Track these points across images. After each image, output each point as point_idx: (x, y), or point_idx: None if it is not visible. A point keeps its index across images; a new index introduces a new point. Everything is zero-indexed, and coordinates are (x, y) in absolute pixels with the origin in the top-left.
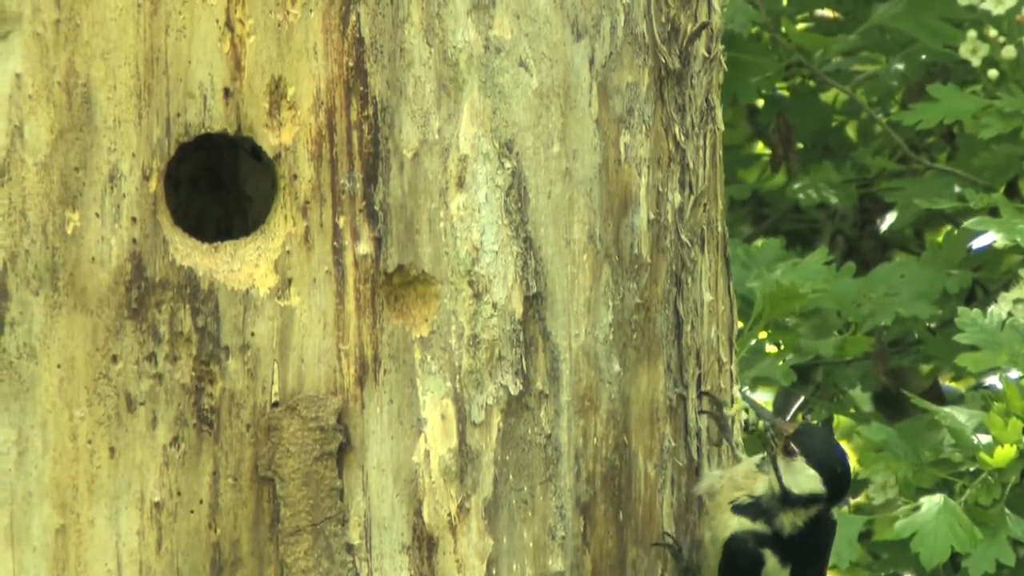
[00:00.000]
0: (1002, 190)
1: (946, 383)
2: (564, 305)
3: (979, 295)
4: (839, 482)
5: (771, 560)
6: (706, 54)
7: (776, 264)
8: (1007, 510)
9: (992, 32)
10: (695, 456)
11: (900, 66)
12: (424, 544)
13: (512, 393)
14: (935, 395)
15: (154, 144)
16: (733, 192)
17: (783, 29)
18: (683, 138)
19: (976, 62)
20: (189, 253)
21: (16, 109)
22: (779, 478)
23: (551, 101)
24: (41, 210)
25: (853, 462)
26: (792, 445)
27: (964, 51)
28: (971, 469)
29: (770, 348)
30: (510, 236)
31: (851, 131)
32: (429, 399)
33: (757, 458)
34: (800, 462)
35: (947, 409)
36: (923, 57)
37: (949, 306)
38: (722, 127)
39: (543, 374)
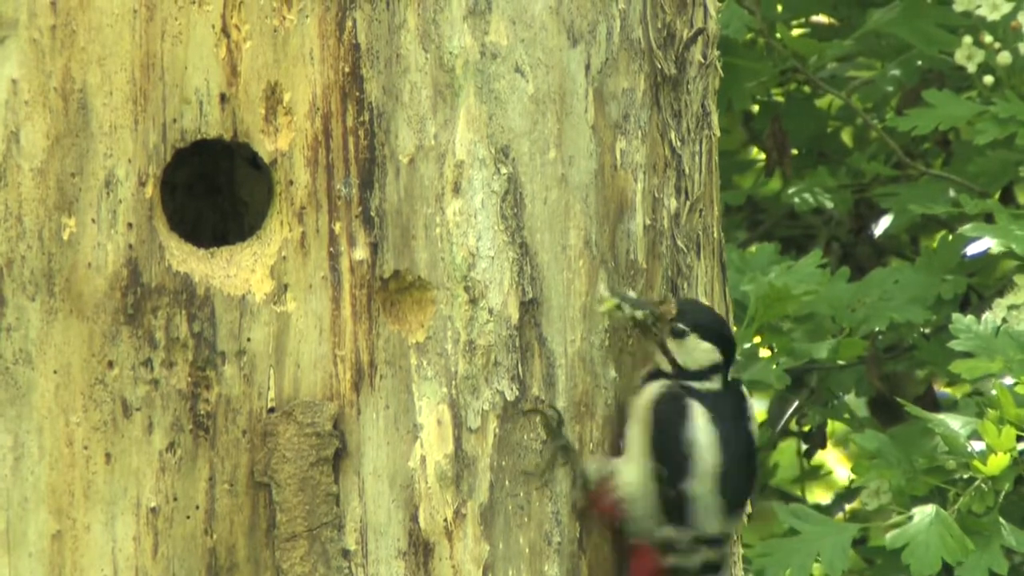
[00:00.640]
0: (997, 196)
1: (941, 389)
2: (560, 311)
3: (974, 301)
4: (730, 341)
5: (700, 412)
6: (702, 60)
7: (770, 268)
8: (1001, 518)
9: (988, 38)
10: None
11: (896, 72)
12: (420, 550)
13: (508, 399)
14: (929, 401)
15: (150, 150)
16: (728, 198)
17: (778, 35)
18: (679, 144)
19: (972, 68)
20: (185, 259)
21: (12, 115)
22: (673, 360)
23: (547, 107)
24: (37, 216)
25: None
26: (679, 325)
27: (960, 57)
28: (965, 477)
29: (763, 352)
30: (506, 242)
31: (846, 137)
32: (425, 404)
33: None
34: (693, 339)
35: (940, 416)
36: (919, 63)
37: (943, 312)
38: (718, 133)
39: (539, 380)
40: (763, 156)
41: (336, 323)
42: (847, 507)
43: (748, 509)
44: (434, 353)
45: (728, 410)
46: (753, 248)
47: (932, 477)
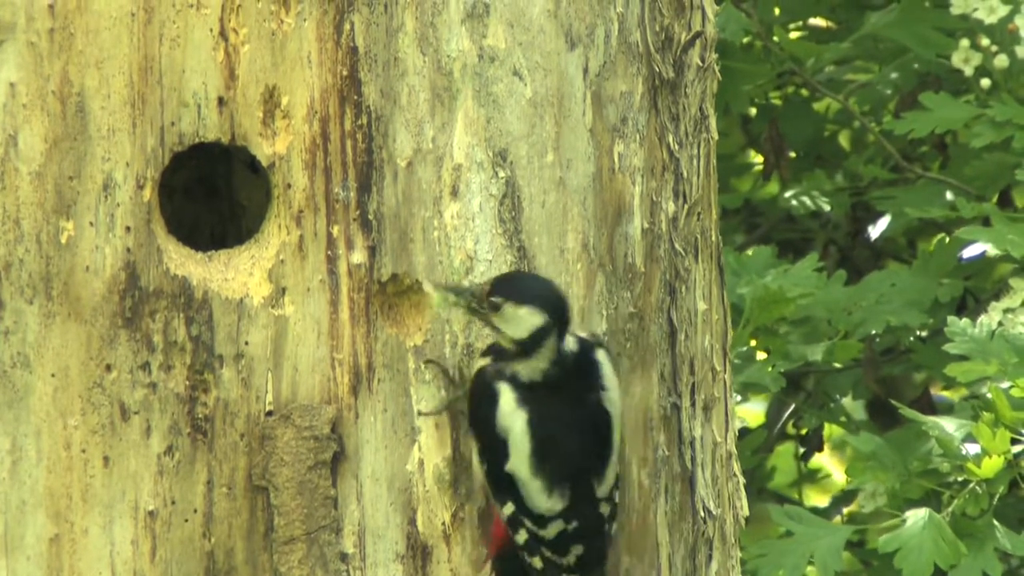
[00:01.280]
0: (994, 199)
1: (938, 392)
2: None
3: (970, 304)
4: (555, 303)
5: (507, 395)
6: (700, 63)
7: (767, 271)
8: (995, 521)
9: (985, 41)
10: (688, 465)
11: (893, 75)
12: (418, 553)
13: None
14: (926, 404)
15: (148, 153)
16: (725, 201)
17: (775, 38)
18: (677, 147)
19: (969, 71)
20: (183, 262)
21: (10, 118)
22: (504, 336)
23: (545, 110)
24: (35, 219)
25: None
26: (494, 299)
27: (957, 60)
28: (959, 479)
29: (760, 355)
30: (504, 245)
31: (844, 140)
32: (423, 408)
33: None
34: (509, 308)
35: (935, 419)
36: (915, 66)
37: (940, 315)
38: (716, 136)
39: None
40: (761, 159)
41: (334, 326)
42: (844, 510)
43: (609, 479)
44: (432, 356)
45: (562, 384)
46: (750, 251)
47: (927, 480)
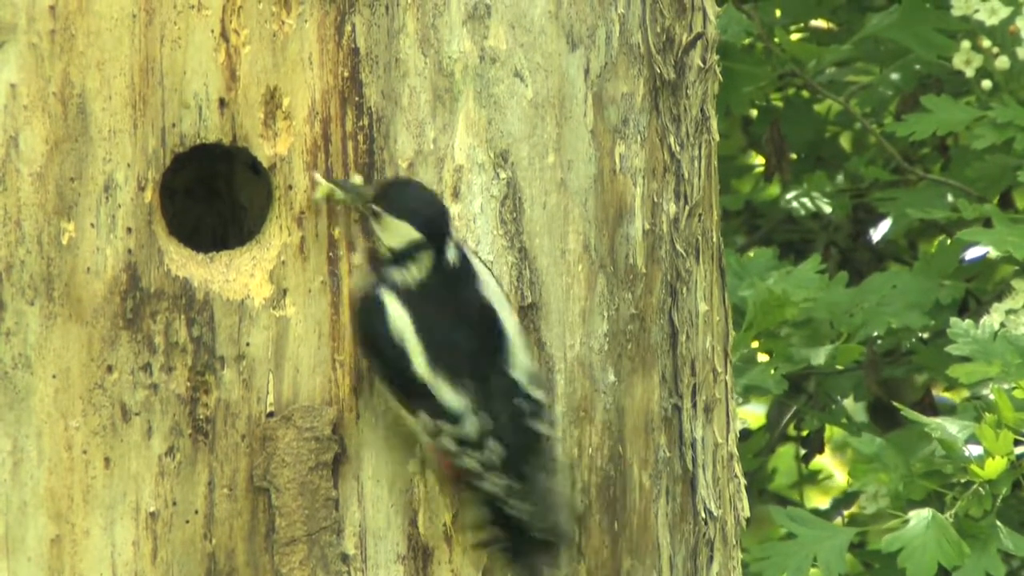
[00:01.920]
0: (996, 201)
1: (940, 394)
2: (559, 315)
3: (972, 306)
4: (430, 220)
5: (391, 301)
6: (701, 64)
7: (769, 273)
8: (998, 522)
9: (986, 43)
10: (690, 466)
11: (895, 76)
12: (419, 554)
13: None
14: (928, 406)
15: (149, 154)
16: (726, 202)
17: (776, 39)
18: (678, 148)
19: (970, 73)
20: (184, 263)
21: (11, 119)
22: (380, 241)
23: (546, 111)
24: (36, 220)
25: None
26: (375, 207)
27: (958, 62)
28: (962, 481)
29: (761, 357)
30: (505, 246)
31: (845, 142)
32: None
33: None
34: (388, 218)
35: (938, 420)
36: (916, 68)
37: (942, 317)
38: (717, 137)
39: None
40: (762, 161)
41: (335, 328)
42: (845, 512)
43: (518, 369)
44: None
45: (442, 289)
46: (751, 253)
47: (929, 481)
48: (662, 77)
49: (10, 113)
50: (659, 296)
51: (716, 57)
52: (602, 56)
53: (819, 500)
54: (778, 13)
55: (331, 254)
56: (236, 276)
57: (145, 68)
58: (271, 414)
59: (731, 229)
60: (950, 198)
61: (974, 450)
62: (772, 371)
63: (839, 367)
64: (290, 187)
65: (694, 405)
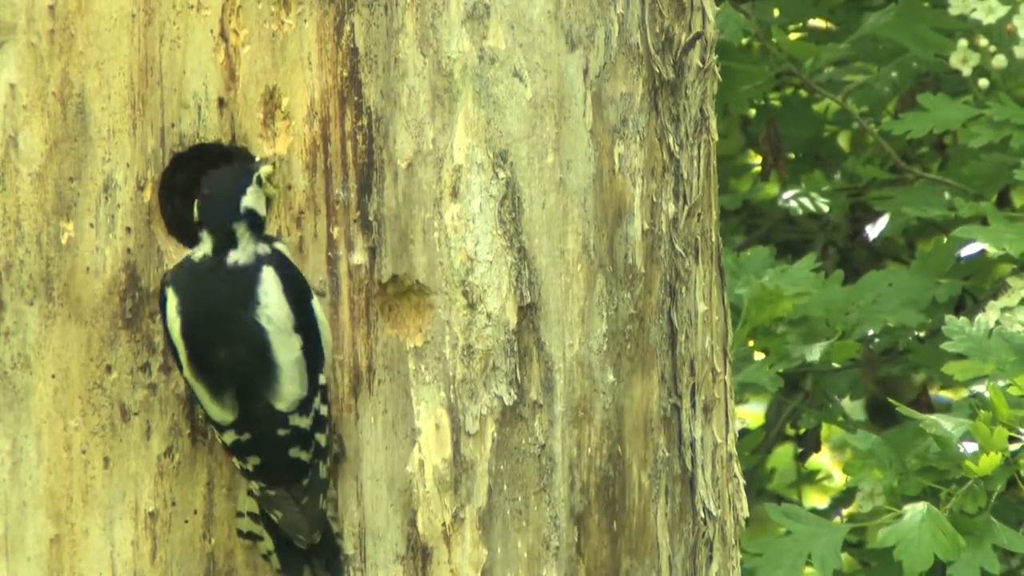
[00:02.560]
0: (994, 199)
1: (937, 393)
2: (558, 315)
3: (968, 304)
4: (207, 201)
5: (171, 301)
6: (700, 64)
7: (765, 271)
8: (993, 518)
9: (983, 42)
10: (689, 466)
11: (893, 74)
12: (418, 554)
13: (506, 403)
14: (924, 405)
15: (148, 154)
16: (724, 202)
17: (774, 39)
18: (677, 148)
19: (967, 71)
20: None
21: (10, 119)
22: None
23: (545, 111)
24: (35, 220)
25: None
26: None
27: (955, 61)
28: (957, 477)
29: (757, 355)
30: (504, 246)
31: (843, 141)
32: (423, 409)
33: None
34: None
35: (933, 417)
36: (914, 66)
37: (938, 315)
38: (716, 137)
39: (537, 384)
40: (760, 160)
41: (334, 327)
42: (844, 512)
43: (285, 398)
44: (432, 358)
45: (221, 296)
46: (749, 252)
47: (924, 477)
48: (661, 77)
49: (9, 113)
50: (658, 296)
51: (715, 57)
52: (601, 56)
53: (818, 500)
54: (776, 12)
55: (330, 254)
56: None
57: (144, 68)
58: None
59: (729, 229)
60: (947, 197)
61: (969, 447)
62: (768, 368)
63: (835, 365)
64: (289, 187)
65: (693, 405)
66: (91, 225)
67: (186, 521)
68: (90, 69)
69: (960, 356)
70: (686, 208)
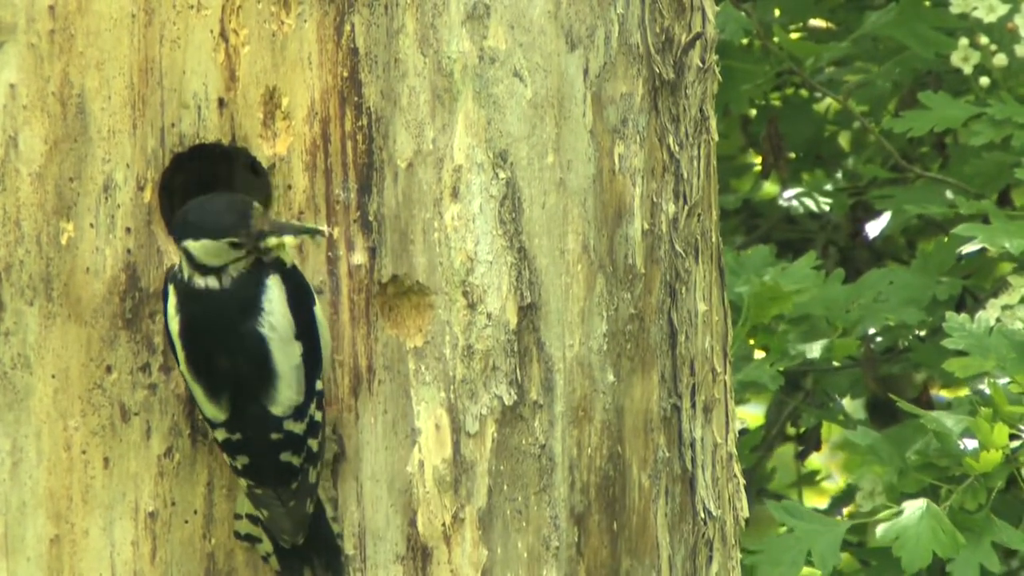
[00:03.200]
0: (995, 198)
1: (937, 393)
2: (558, 315)
3: (969, 303)
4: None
5: (172, 299)
6: (700, 64)
7: (765, 270)
8: (993, 515)
9: (984, 40)
10: (689, 466)
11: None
12: (418, 554)
13: (506, 403)
14: (924, 403)
15: (148, 154)
16: (724, 202)
17: (775, 38)
18: (677, 148)
19: (968, 70)
20: None
21: (10, 119)
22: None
23: (545, 111)
24: (35, 220)
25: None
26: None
27: (956, 59)
28: (957, 474)
29: (758, 353)
30: (504, 246)
31: (844, 141)
32: (423, 409)
33: None
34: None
35: (934, 414)
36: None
37: (939, 313)
38: (716, 137)
39: (537, 384)
40: (760, 160)
41: (334, 328)
42: (845, 511)
43: (281, 404)
44: (432, 358)
45: (223, 303)
46: (749, 251)
47: (924, 474)
48: (661, 77)
49: (9, 113)
50: (658, 296)
51: (715, 57)
52: (601, 56)
53: (818, 501)
54: (777, 11)
55: (330, 254)
56: None
57: (144, 68)
58: None
59: (729, 228)
60: (949, 195)
61: (970, 444)
62: (768, 367)
63: (836, 363)
64: (289, 187)
65: (693, 405)
66: (91, 225)
67: (186, 521)
68: (90, 69)
69: (961, 353)
70: (686, 208)
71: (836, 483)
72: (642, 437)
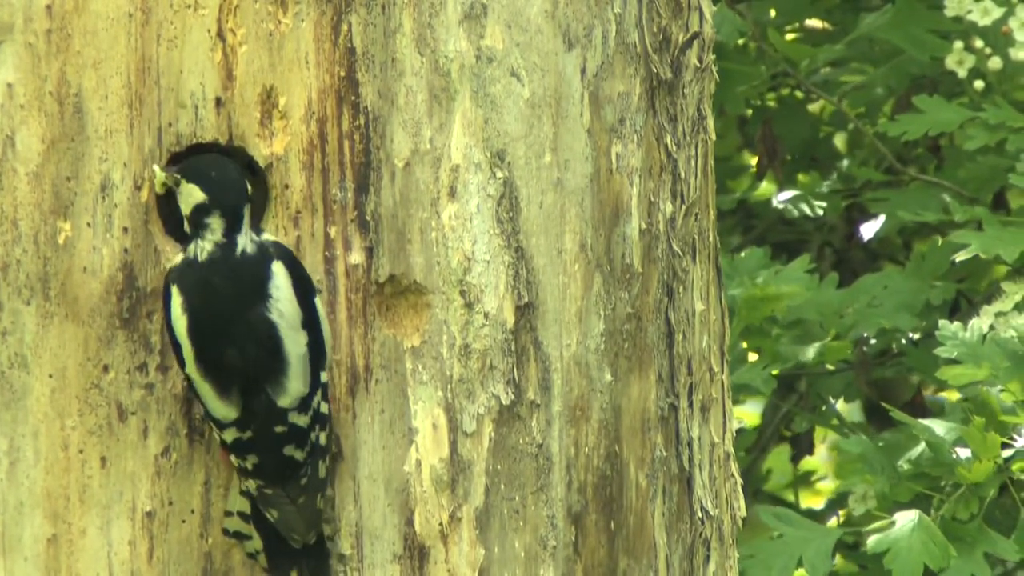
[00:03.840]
0: (989, 201)
1: (934, 395)
2: (555, 315)
3: (963, 306)
4: (220, 185)
5: (176, 299)
6: (697, 64)
7: (759, 273)
8: (984, 525)
9: (978, 43)
10: (686, 466)
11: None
12: (415, 554)
13: (503, 403)
14: (918, 407)
15: (146, 154)
16: (720, 203)
17: (770, 39)
18: (675, 148)
19: (962, 73)
20: None
21: (8, 118)
22: (181, 211)
23: (543, 111)
24: (33, 220)
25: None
26: (175, 175)
27: (950, 62)
28: (949, 483)
29: (751, 356)
30: (502, 246)
31: (839, 142)
32: (420, 409)
33: None
34: (183, 184)
35: (926, 423)
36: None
37: (932, 318)
38: (713, 137)
39: (534, 384)
40: (756, 161)
41: (331, 327)
42: (840, 512)
43: (291, 393)
44: (429, 357)
45: (229, 291)
46: (744, 253)
47: (916, 483)
48: (658, 76)
49: (6, 112)
50: (655, 295)
51: (712, 57)
52: (599, 55)
53: (814, 502)
54: (772, 13)
55: (327, 253)
56: None
57: (141, 67)
58: None
59: (725, 229)
60: (945, 198)
61: (962, 453)
62: (761, 369)
63: (829, 367)
64: (286, 186)
65: (691, 404)
66: (88, 225)
67: (183, 521)
68: (87, 69)
69: (954, 361)
70: (683, 207)
71: (832, 483)
72: (639, 436)
